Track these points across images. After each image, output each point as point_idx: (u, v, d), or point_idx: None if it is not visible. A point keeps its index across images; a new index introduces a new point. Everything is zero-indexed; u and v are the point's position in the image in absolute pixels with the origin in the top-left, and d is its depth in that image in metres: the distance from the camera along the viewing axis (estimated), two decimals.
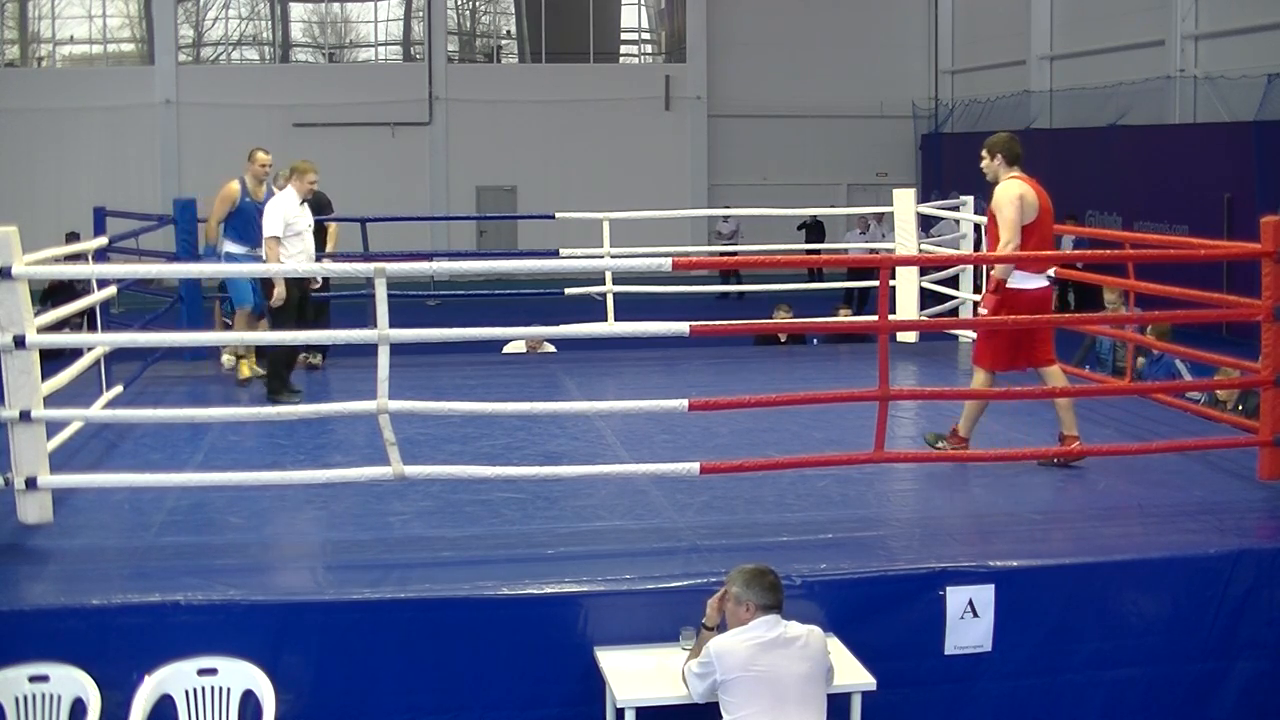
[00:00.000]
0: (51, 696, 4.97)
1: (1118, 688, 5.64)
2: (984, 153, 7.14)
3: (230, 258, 9.28)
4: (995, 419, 8.08)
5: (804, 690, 4.72)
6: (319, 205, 11.04)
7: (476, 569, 5.51)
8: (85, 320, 12.12)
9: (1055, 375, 7.11)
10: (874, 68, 29.47)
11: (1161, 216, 19.81)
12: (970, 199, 11.33)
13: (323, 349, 10.56)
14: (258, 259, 9.09)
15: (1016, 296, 6.88)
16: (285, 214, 8.81)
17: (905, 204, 11.06)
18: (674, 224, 22.38)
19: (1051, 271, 7.19)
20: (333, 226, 10.97)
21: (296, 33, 30.52)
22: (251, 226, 9.29)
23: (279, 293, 8.78)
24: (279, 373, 8.89)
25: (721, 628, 4.90)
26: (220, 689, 5.05)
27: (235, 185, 9.41)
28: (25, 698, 4.96)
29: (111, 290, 8.86)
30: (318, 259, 10.35)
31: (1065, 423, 7.08)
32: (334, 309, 10.90)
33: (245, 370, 9.55)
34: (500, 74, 30.16)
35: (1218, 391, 9.42)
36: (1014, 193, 6.87)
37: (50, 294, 15.78)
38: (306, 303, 9.35)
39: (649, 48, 32.46)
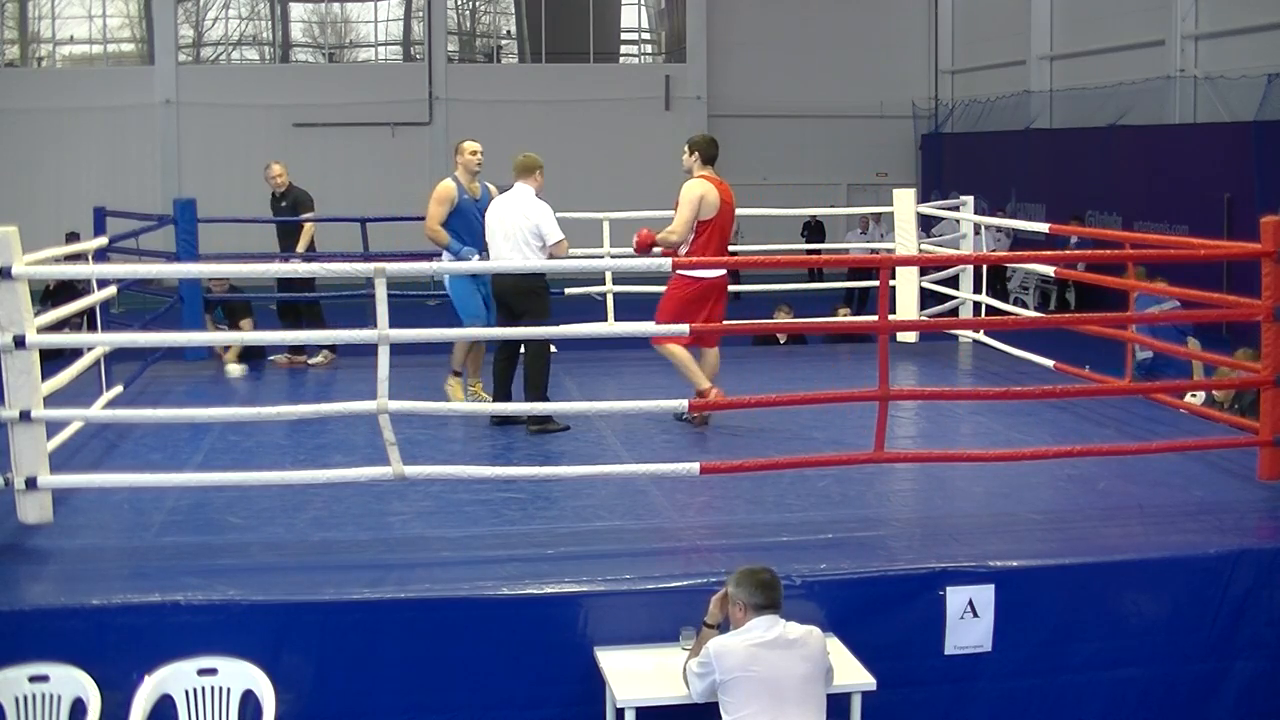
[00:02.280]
0: (51, 696, 4.96)
1: (1118, 688, 5.63)
2: (685, 148, 8.01)
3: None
4: (995, 419, 8.08)
5: (803, 690, 4.72)
6: (297, 203, 10.83)
7: (476, 569, 5.51)
8: (85, 320, 12.10)
9: (714, 355, 8.05)
10: (874, 68, 29.44)
11: (1161, 216, 19.81)
12: (970, 199, 11.32)
13: (332, 347, 10.53)
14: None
15: (691, 283, 7.74)
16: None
17: (905, 204, 11.07)
18: None
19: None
20: (307, 226, 10.60)
21: (296, 33, 30.52)
22: (473, 228, 8.52)
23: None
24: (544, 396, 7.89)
25: (724, 627, 4.91)
26: (220, 689, 5.05)
27: (450, 184, 8.62)
28: (25, 698, 4.96)
29: (111, 290, 8.86)
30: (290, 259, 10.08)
31: (696, 377, 7.79)
32: (336, 309, 10.88)
33: (458, 392, 8.47)
34: (500, 74, 30.15)
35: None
36: (696, 193, 7.76)
37: (52, 294, 15.76)
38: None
39: (649, 48, 32.46)
